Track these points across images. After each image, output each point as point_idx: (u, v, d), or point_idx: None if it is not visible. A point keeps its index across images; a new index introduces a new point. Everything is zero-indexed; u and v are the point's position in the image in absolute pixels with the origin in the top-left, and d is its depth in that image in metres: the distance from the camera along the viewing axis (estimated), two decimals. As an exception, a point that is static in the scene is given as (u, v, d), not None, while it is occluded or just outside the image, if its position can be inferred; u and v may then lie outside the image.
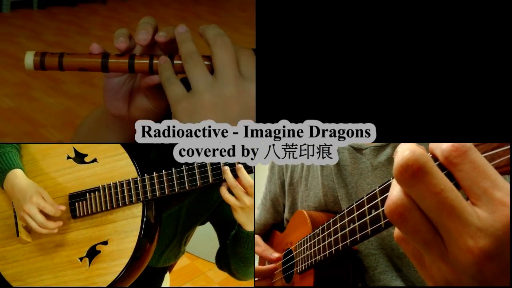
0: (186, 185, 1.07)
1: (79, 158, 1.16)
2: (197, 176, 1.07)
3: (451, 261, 0.39)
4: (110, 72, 0.81)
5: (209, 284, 2.43)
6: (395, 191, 0.41)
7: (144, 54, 0.79)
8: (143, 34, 0.77)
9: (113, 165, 1.12)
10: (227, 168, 1.05)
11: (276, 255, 1.23)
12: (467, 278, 0.38)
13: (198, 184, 1.07)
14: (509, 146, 0.42)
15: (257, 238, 1.33)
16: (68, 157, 1.16)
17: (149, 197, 1.08)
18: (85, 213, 1.13)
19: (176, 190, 1.08)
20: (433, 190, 0.38)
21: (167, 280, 1.40)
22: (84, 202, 1.13)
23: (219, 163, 1.06)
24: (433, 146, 0.41)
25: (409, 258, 0.45)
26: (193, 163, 1.07)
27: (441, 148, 0.40)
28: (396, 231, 0.45)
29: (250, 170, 1.06)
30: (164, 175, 1.08)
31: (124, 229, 1.10)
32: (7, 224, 1.19)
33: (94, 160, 1.14)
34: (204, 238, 1.31)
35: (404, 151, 0.39)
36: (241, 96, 0.72)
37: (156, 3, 5.47)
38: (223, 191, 1.06)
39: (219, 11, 5.51)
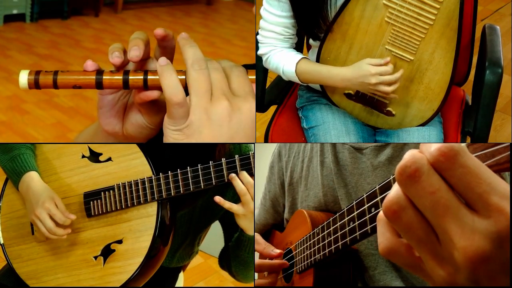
0: (202, 184, 1.07)
1: (94, 157, 1.15)
2: (212, 175, 1.06)
3: (446, 260, 0.39)
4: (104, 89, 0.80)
5: (222, 283, 2.43)
6: (393, 190, 0.42)
7: (138, 70, 0.78)
8: (135, 50, 0.75)
9: (128, 164, 1.12)
10: (234, 176, 1.05)
11: (277, 251, 1.23)
12: (461, 278, 0.38)
13: (214, 183, 1.07)
14: (510, 143, 0.42)
15: (257, 236, 1.32)
16: (83, 156, 1.16)
17: (164, 196, 1.08)
18: (100, 212, 1.12)
19: (192, 189, 1.07)
20: (428, 190, 0.38)
21: (180, 280, 1.39)
22: (99, 201, 1.12)
23: (234, 161, 1.06)
24: (423, 148, 0.40)
25: None
26: (208, 162, 1.07)
27: (429, 152, 0.39)
28: None
29: (250, 173, 1.06)
30: (179, 174, 1.07)
31: (139, 228, 1.09)
32: (22, 223, 1.18)
33: (109, 159, 1.13)
34: (218, 237, 1.31)
35: (406, 154, 0.40)
36: (235, 114, 0.71)
37: (147, 15, 5.47)
38: (222, 201, 1.06)
39: (210, 23, 5.51)
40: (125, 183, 1.10)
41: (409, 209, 0.40)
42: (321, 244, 0.99)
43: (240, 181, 1.04)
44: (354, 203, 0.82)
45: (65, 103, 3.51)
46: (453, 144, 0.38)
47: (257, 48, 1.44)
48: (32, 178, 1.14)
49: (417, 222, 0.40)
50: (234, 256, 1.22)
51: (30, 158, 1.16)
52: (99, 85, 0.76)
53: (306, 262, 1.07)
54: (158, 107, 0.81)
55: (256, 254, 1.25)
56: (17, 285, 1.17)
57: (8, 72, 3.86)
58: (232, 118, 0.71)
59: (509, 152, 0.41)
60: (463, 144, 0.40)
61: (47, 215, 1.08)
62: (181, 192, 1.08)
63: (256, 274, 1.26)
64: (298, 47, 1.60)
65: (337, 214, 0.92)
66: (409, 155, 0.40)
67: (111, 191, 1.11)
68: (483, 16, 3.40)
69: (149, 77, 0.76)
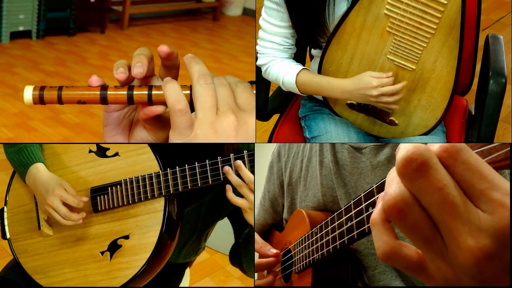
0: (209, 179, 1.07)
1: (101, 152, 1.16)
2: (220, 171, 1.07)
3: (450, 260, 0.38)
4: (109, 105, 0.79)
5: (227, 279, 2.44)
6: (394, 186, 0.40)
7: (143, 85, 0.78)
8: (138, 67, 0.75)
9: (135, 159, 1.13)
10: (228, 168, 1.05)
11: (274, 251, 1.22)
12: (467, 278, 0.38)
13: (222, 179, 1.07)
14: (508, 142, 0.42)
15: (255, 235, 1.32)
16: (90, 151, 1.17)
17: (171, 192, 1.09)
18: (107, 207, 1.13)
19: (199, 185, 1.08)
20: (436, 185, 0.37)
21: (187, 275, 1.39)
22: (106, 196, 1.13)
23: (243, 157, 1.06)
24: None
25: None
26: (216, 158, 1.07)
27: (433, 149, 0.38)
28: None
29: (252, 170, 1.07)
30: (187, 170, 1.08)
31: (146, 224, 1.10)
32: (29, 218, 1.19)
33: (116, 154, 1.14)
34: (224, 233, 1.32)
35: (408, 146, 0.38)
36: (242, 127, 0.72)
37: (153, 32, 5.50)
38: (230, 195, 1.06)
39: (216, 39, 5.52)
40: (132, 178, 1.11)
41: (415, 207, 0.38)
42: (319, 244, 1.00)
43: (234, 175, 1.05)
44: (352, 202, 0.83)
45: (71, 120, 3.52)
46: (455, 143, 0.38)
47: (256, 60, 1.45)
48: (39, 169, 1.15)
49: (424, 220, 0.38)
50: (245, 252, 1.23)
51: (37, 150, 1.18)
52: (103, 100, 0.76)
53: (304, 262, 1.08)
54: (162, 123, 0.82)
55: (257, 254, 1.26)
56: (24, 280, 1.17)
57: (14, 89, 3.88)
58: (239, 132, 0.72)
59: (507, 149, 0.41)
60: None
61: (60, 201, 1.09)
62: (189, 188, 1.08)
63: (256, 274, 1.27)
64: (301, 58, 1.61)
65: (335, 214, 0.92)
66: (413, 147, 0.38)
67: (118, 186, 1.12)
68: (485, 25, 3.40)
69: (153, 92, 0.76)
